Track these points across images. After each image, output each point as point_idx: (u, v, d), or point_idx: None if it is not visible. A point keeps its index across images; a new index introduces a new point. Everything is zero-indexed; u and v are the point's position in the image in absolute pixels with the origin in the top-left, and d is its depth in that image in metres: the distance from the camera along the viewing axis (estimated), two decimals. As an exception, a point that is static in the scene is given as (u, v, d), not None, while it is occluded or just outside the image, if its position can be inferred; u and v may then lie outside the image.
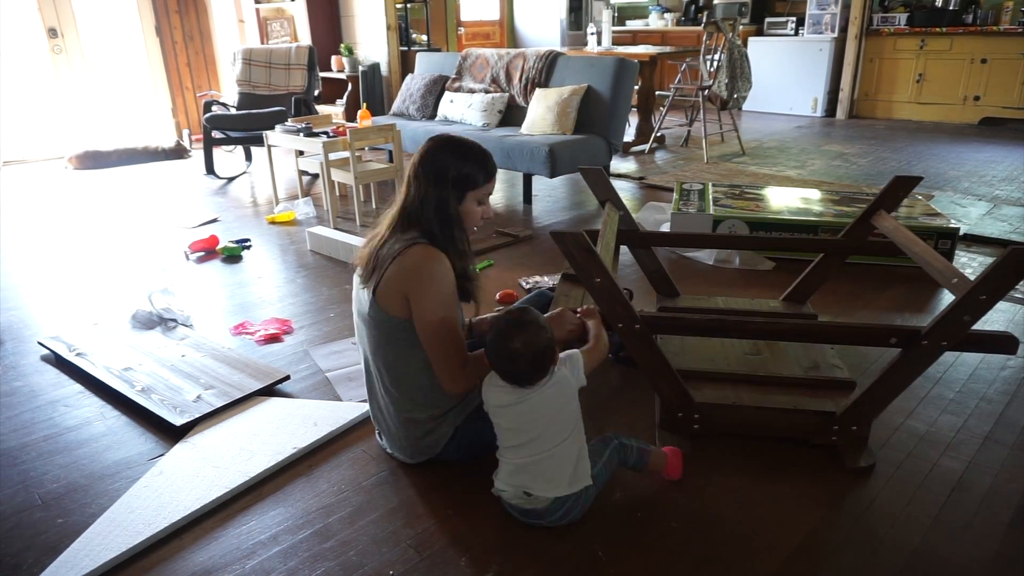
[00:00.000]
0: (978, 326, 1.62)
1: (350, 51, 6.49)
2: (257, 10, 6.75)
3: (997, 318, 2.62)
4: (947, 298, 2.82)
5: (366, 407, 2.05)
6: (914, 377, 1.72)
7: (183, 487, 1.74)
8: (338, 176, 4.05)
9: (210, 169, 5.30)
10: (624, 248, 2.56)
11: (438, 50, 6.83)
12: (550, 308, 1.92)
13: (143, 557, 1.54)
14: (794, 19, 7.66)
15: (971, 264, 3.19)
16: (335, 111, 6.36)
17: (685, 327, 1.91)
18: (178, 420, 2.01)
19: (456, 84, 5.17)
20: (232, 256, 3.51)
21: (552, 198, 4.59)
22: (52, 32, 6.14)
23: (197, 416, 2.03)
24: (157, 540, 1.58)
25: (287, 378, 2.26)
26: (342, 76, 6.49)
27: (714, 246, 3.02)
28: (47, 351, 2.50)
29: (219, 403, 2.10)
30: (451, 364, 1.61)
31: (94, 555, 1.52)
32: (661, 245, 2.79)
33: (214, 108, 5.36)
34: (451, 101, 5.04)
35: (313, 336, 2.61)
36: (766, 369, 2.08)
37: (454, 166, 1.62)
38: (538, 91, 4.56)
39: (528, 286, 3.00)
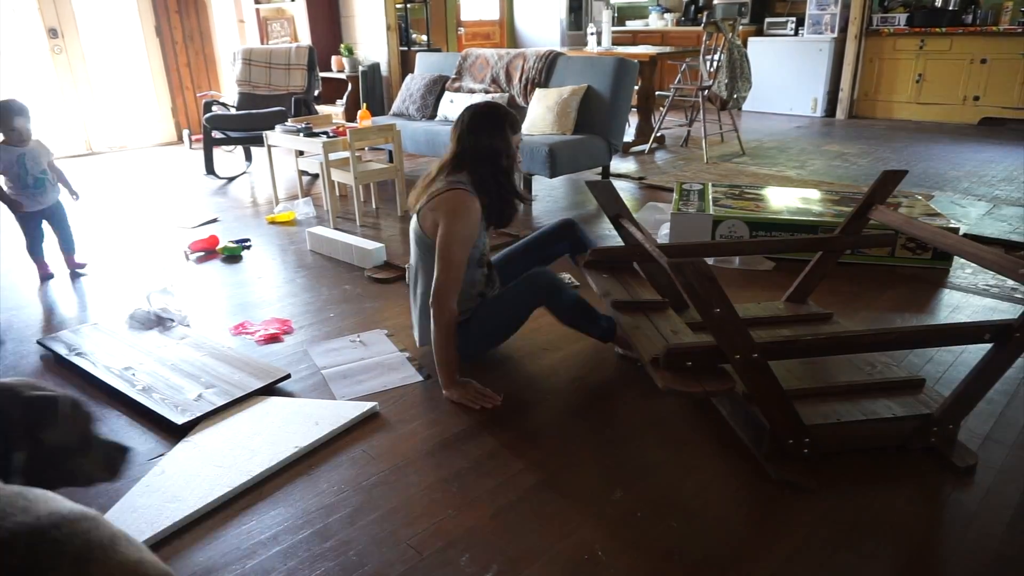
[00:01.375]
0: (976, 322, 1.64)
1: (350, 51, 6.49)
2: (257, 10, 6.76)
3: (997, 318, 2.62)
4: (947, 296, 2.83)
5: (367, 406, 2.08)
6: (1004, 371, 1.75)
7: (185, 486, 1.74)
8: (338, 176, 4.05)
9: (210, 169, 5.30)
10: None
11: (438, 50, 6.83)
12: (578, 295, 2.24)
13: (143, 557, 1.54)
14: (794, 19, 7.66)
15: (971, 264, 3.19)
16: (335, 111, 6.36)
17: (800, 350, 1.79)
18: (179, 419, 2.01)
19: (456, 84, 5.17)
20: (232, 256, 3.51)
21: (552, 198, 4.59)
22: (52, 32, 6.14)
23: (199, 415, 2.04)
24: (160, 539, 1.58)
25: (287, 377, 2.27)
26: (342, 76, 6.49)
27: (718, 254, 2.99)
28: (46, 351, 2.50)
29: (220, 402, 2.11)
30: (444, 286, 2.03)
31: None
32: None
33: (214, 108, 5.37)
34: (451, 101, 5.04)
35: (313, 336, 2.61)
36: (828, 377, 2.03)
37: (502, 118, 2.10)
38: (538, 91, 4.57)
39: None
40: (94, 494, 1.74)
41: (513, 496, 1.71)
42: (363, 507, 1.68)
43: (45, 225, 3.22)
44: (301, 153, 4.36)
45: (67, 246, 3.29)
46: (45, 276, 3.28)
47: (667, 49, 6.27)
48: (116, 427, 2.04)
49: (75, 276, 3.30)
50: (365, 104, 5.69)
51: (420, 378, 2.29)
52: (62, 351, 2.44)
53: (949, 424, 1.80)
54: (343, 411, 2.07)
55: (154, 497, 1.70)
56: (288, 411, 2.08)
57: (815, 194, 3.80)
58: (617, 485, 1.74)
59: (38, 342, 2.54)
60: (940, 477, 1.75)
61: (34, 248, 3.23)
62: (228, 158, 6.01)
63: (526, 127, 4.48)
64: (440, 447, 1.91)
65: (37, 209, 3.13)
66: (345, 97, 6.38)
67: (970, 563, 1.49)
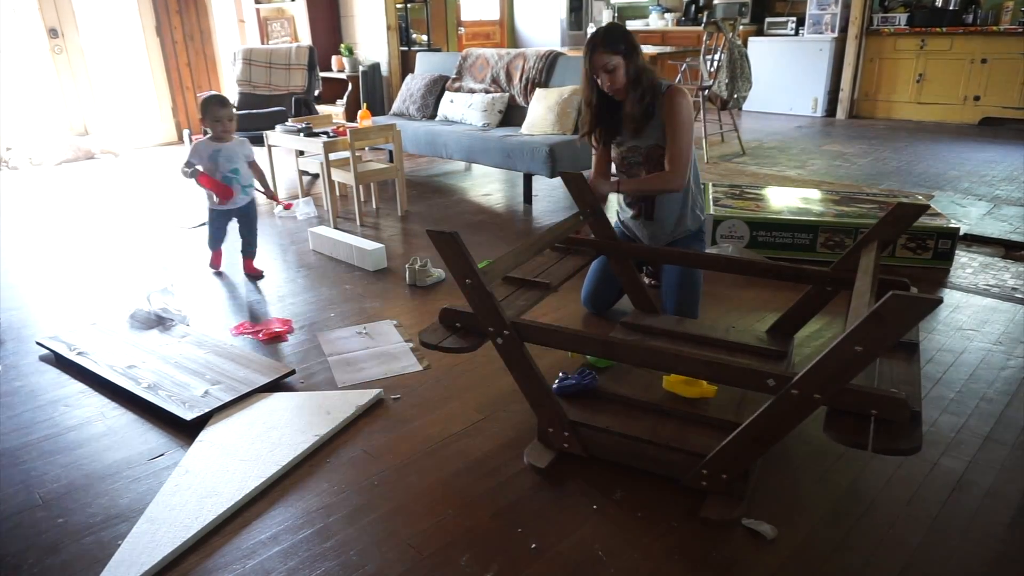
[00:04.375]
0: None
1: (350, 51, 6.49)
2: (257, 10, 6.76)
3: (997, 318, 2.62)
4: (947, 296, 2.82)
5: (373, 393, 2.14)
6: (784, 427, 1.49)
7: (217, 480, 1.76)
8: (338, 176, 4.05)
9: (210, 169, 5.29)
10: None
11: (438, 50, 6.83)
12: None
13: (143, 557, 1.54)
14: (794, 19, 7.66)
15: (971, 264, 3.19)
16: (335, 111, 6.36)
17: (555, 339, 1.72)
18: (188, 415, 2.02)
19: (456, 84, 5.17)
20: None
21: (552, 198, 4.59)
22: (52, 32, 6.14)
23: (207, 411, 2.04)
24: (205, 534, 1.61)
25: (292, 372, 2.28)
26: (342, 76, 6.49)
27: (701, 265, 2.78)
28: (46, 351, 2.50)
29: (228, 397, 2.12)
30: None
31: (149, 551, 1.53)
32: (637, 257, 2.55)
33: (214, 108, 5.36)
34: (451, 101, 5.04)
35: (313, 336, 2.61)
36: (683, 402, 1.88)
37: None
38: (538, 91, 4.56)
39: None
40: (92, 494, 1.74)
41: (513, 496, 1.71)
42: (363, 507, 1.68)
43: (233, 226, 3.19)
44: (301, 153, 4.37)
45: (249, 250, 3.23)
46: (215, 269, 3.29)
47: (667, 49, 6.27)
48: (115, 427, 2.05)
49: (251, 280, 3.20)
50: (365, 104, 5.68)
51: (420, 367, 2.33)
52: (62, 351, 2.44)
53: (721, 472, 1.61)
54: (352, 399, 2.11)
55: (187, 495, 1.72)
56: (296, 404, 2.10)
57: (815, 194, 3.80)
58: (617, 485, 1.74)
59: (37, 342, 2.54)
60: (940, 477, 1.76)
61: (212, 243, 3.25)
62: (228, 158, 6.01)
63: (526, 127, 4.48)
64: (440, 447, 1.91)
65: (224, 209, 3.12)
66: (345, 97, 6.39)
67: (970, 563, 1.49)
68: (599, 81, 2.39)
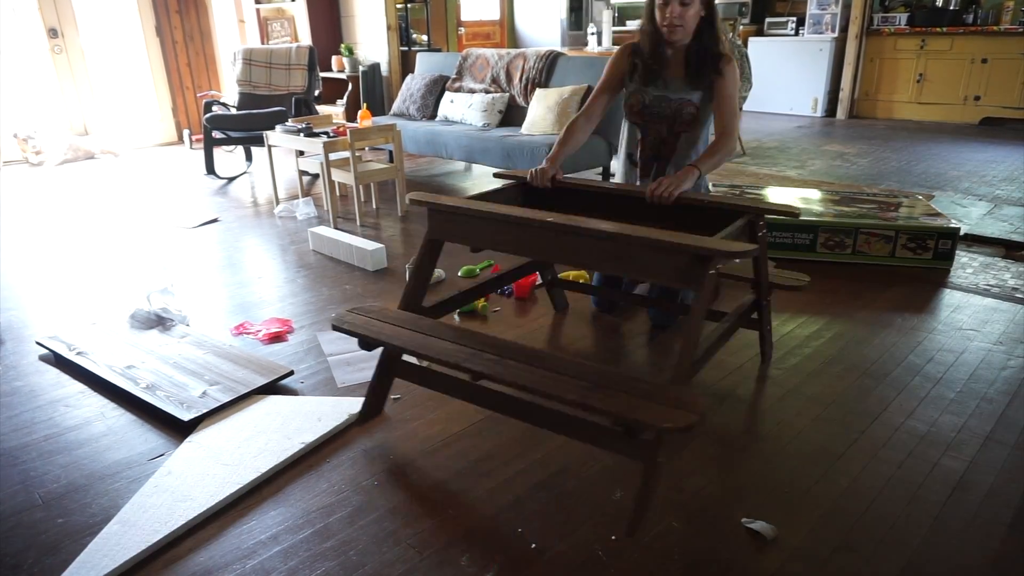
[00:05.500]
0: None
1: (350, 51, 6.49)
2: (257, 10, 6.76)
3: (998, 318, 2.62)
4: (947, 296, 2.82)
5: None
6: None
7: (195, 485, 1.75)
8: (338, 176, 4.05)
9: (210, 169, 5.30)
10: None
11: (438, 50, 6.83)
12: None
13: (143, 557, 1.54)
14: (794, 19, 7.66)
15: (971, 264, 3.19)
16: (335, 111, 6.36)
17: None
18: (185, 415, 2.02)
19: (456, 84, 5.17)
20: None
21: (552, 198, 4.58)
22: (52, 32, 6.14)
23: (204, 411, 2.04)
24: (173, 539, 1.59)
25: (291, 373, 2.27)
26: (342, 76, 6.49)
27: None
28: (46, 351, 2.50)
29: (225, 398, 2.11)
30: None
31: (113, 554, 1.52)
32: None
33: (214, 108, 5.36)
34: (451, 101, 5.04)
35: (313, 336, 2.61)
36: None
37: None
38: (538, 91, 4.56)
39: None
40: (92, 495, 1.74)
41: (513, 496, 1.71)
42: (363, 507, 1.68)
43: None
44: (301, 153, 4.36)
45: None
46: None
47: (667, 49, 6.26)
48: (115, 427, 2.04)
49: None
50: (365, 104, 5.69)
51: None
52: (62, 351, 2.44)
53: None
54: (345, 407, 2.08)
55: (164, 497, 1.71)
56: (290, 409, 2.09)
57: (815, 194, 3.80)
58: (617, 485, 1.74)
59: (37, 342, 2.54)
60: (940, 477, 1.75)
61: None
62: (228, 158, 6.02)
63: (526, 127, 4.49)
64: (440, 447, 1.91)
65: None
66: (345, 97, 6.38)
67: (970, 563, 1.49)
68: (667, 8, 2.23)
